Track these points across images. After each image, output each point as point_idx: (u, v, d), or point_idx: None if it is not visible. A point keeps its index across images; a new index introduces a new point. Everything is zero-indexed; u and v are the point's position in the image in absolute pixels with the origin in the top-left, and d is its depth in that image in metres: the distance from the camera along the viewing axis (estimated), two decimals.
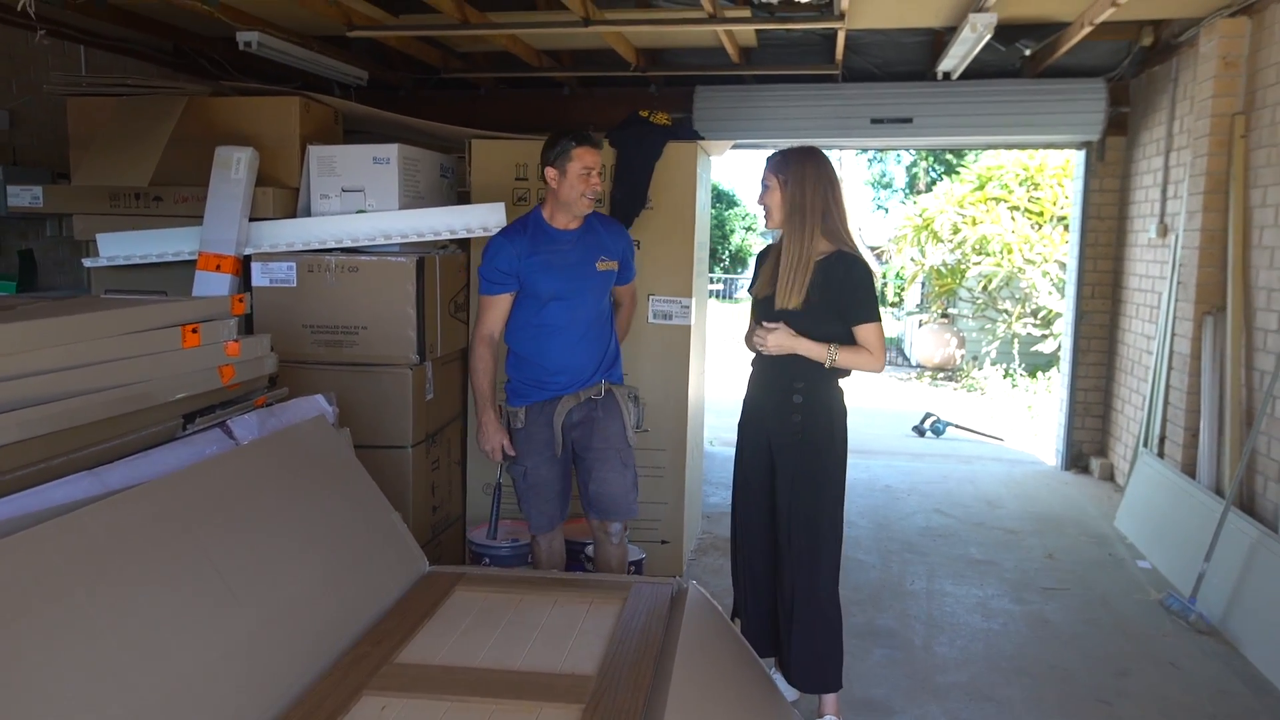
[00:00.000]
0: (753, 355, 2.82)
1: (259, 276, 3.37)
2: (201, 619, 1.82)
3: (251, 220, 3.39)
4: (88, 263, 3.52)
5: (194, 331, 2.33)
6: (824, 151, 2.74)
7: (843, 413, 2.74)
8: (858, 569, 4.15)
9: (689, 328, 3.85)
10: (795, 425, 2.69)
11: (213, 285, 3.28)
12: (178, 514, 1.95)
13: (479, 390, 2.97)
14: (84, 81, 3.88)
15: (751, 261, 22.27)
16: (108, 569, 1.71)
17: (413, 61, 5.44)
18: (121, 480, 1.99)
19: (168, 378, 2.25)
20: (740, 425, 2.84)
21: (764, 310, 2.72)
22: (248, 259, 3.39)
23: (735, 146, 5.34)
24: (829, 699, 2.74)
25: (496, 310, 2.95)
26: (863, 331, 2.64)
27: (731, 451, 2.92)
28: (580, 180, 2.82)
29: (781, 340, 2.63)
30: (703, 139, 4.16)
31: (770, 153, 2.75)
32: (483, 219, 3.42)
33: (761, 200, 2.73)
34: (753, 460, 2.77)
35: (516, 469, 3.01)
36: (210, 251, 3.30)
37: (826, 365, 2.63)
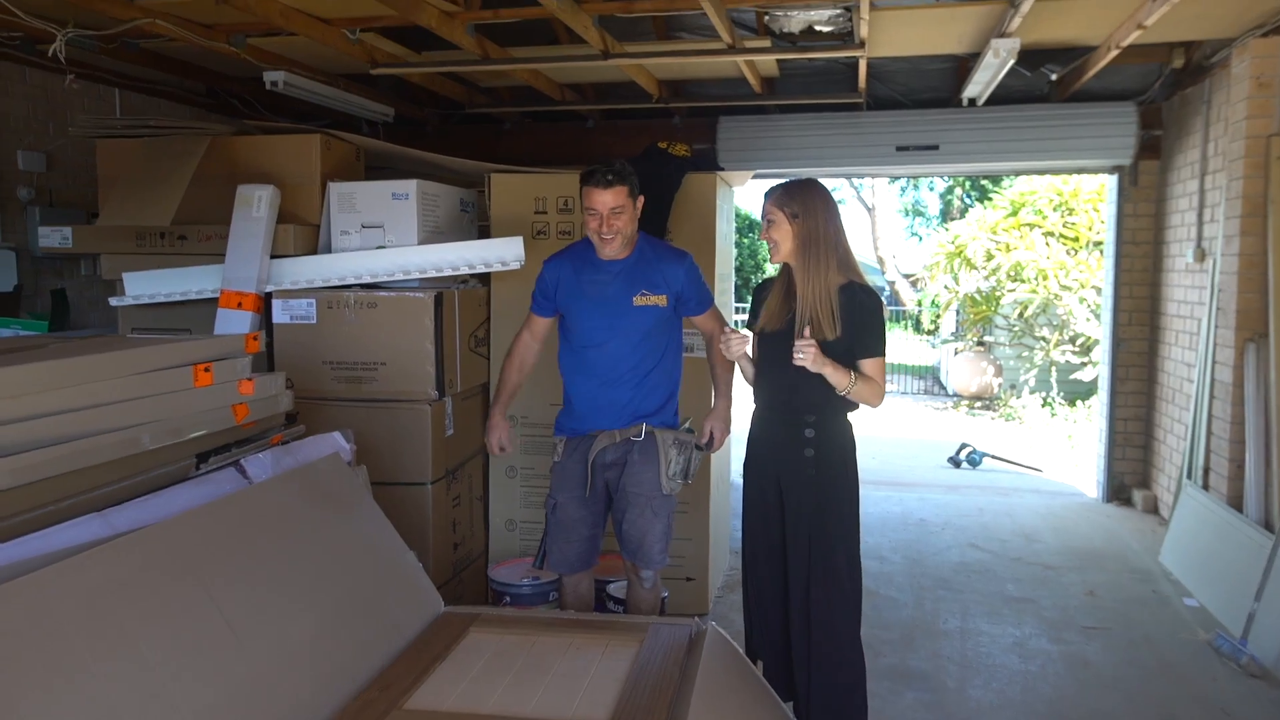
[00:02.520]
0: (755, 391, 2.76)
1: (279, 313, 3.38)
2: (203, 664, 1.79)
3: (273, 257, 3.40)
4: (114, 301, 3.56)
5: (206, 370, 2.32)
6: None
7: (853, 446, 2.68)
8: (889, 607, 4.04)
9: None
10: (808, 460, 2.62)
11: (234, 323, 3.29)
12: (182, 557, 1.92)
13: (497, 389, 3.05)
14: (108, 123, 3.95)
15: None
16: (107, 614, 1.68)
17: (438, 97, 5.49)
18: (129, 522, 1.97)
19: (179, 417, 2.24)
20: (746, 464, 2.77)
21: (773, 345, 2.66)
22: (269, 296, 3.40)
23: (757, 176, 5.32)
24: None
25: (531, 329, 3.01)
26: (870, 365, 2.60)
27: None
28: (590, 219, 2.77)
29: (817, 356, 2.54)
30: (723, 169, 4.13)
31: (769, 187, 2.69)
32: (500, 253, 3.41)
33: (767, 235, 2.66)
34: (761, 499, 2.70)
35: (549, 501, 2.97)
36: (232, 289, 3.32)
37: (842, 393, 2.56)
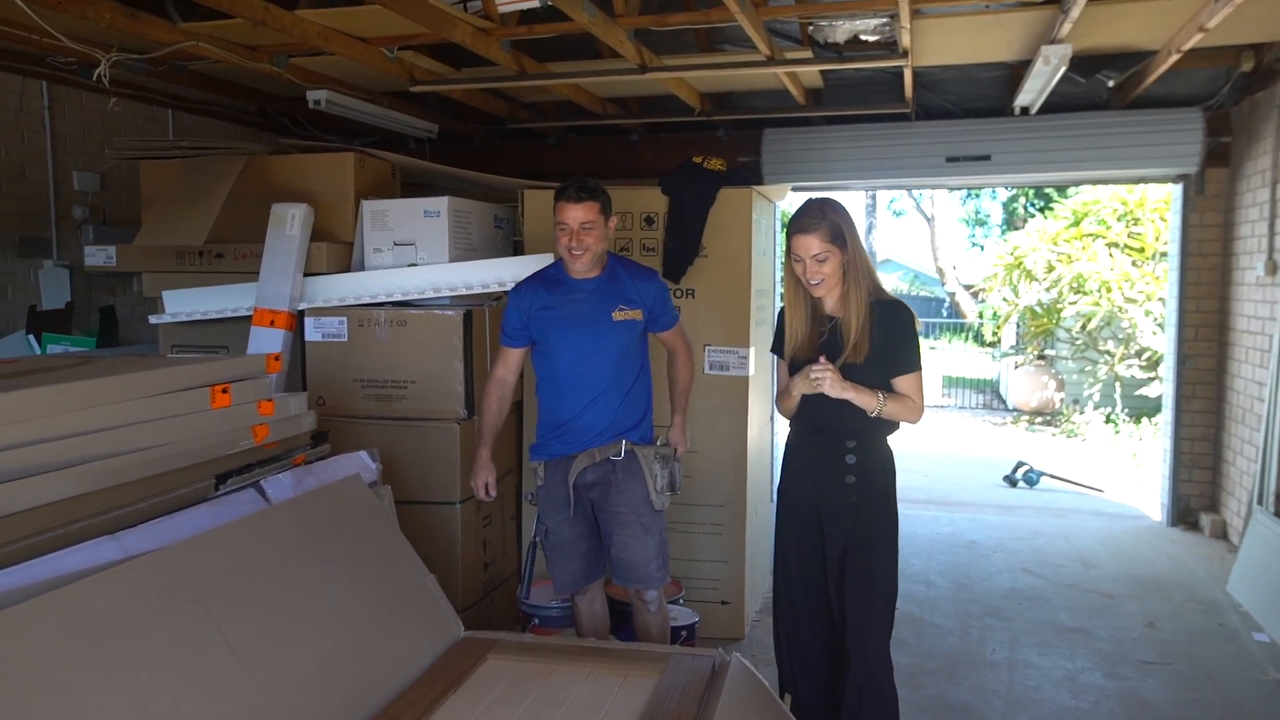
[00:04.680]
0: (791, 418, 2.66)
1: (311, 331, 3.39)
2: (203, 694, 1.76)
3: (306, 275, 3.42)
4: (154, 319, 3.62)
5: (224, 391, 2.32)
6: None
7: (894, 471, 2.57)
8: (933, 635, 3.89)
9: (747, 379, 3.70)
10: (849, 487, 2.52)
11: (267, 341, 3.31)
12: (188, 582, 1.90)
13: (479, 426, 2.99)
14: (145, 144, 4.03)
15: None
16: (106, 643, 1.67)
17: (482, 113, 5.51)
18: (142, 545, 1.96)
19: (197, 438, 2.24)
20: (781, 491, 2.67)
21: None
22: (302, 314, 3.42)
23: (797, 189, 5.22)
24: None
25: (505, 362, 2.95)
26: (906, 381, 2.50)
27: None
28: (561, 234, 2.74)
29: (838, 383, 2.45)
30: (761, 183, 4.05)
31: (795, 217, 2.50)
32: (530, 269, 3.35)
33: (819, 272, 2.46)
34: (798, 525, 2.60)
35: (539, 527, 2.93)
36: (265, 307, 3.34)
37: (873, 414, 2.46)
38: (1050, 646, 3.77)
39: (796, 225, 2.48)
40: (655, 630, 2.92)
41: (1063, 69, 3.93)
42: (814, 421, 2.57)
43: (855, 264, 2.50)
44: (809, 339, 2.56)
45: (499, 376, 2.95)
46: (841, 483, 2.52)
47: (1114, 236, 9.55)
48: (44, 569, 1.77)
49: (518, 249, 3.97)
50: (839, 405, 2.49)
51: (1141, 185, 9.22)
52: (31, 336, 3.96)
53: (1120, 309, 9.25)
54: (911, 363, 2.51)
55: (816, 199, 2.53)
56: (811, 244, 2.45)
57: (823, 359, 2.45)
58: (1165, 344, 6.11)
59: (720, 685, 2.27)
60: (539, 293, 2.84)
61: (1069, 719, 3.16)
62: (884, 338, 2.48)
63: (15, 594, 1.65)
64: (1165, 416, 5.82)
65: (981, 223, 23.17)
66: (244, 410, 2.40)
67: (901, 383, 2.50)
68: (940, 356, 15.24)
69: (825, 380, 2.42)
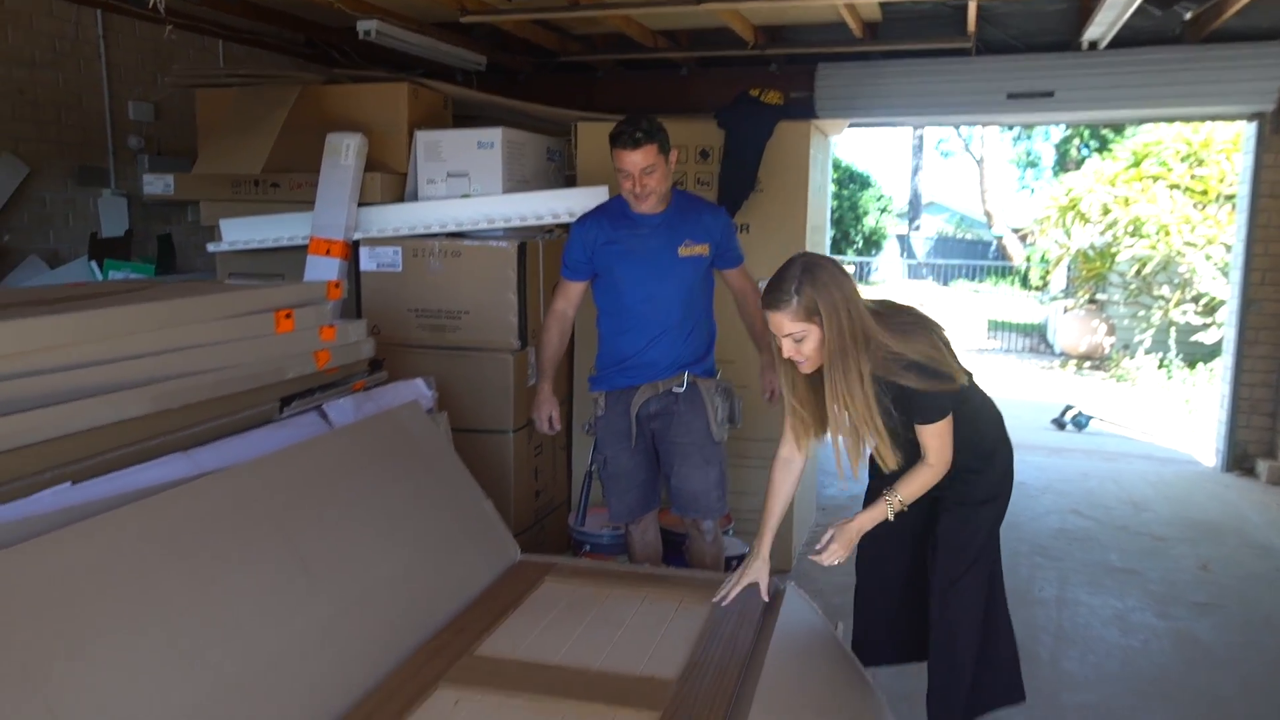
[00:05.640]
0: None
1: (366, 261, 3.42)
2: (280, 603, 1.82)
3: (360, 205, 3.43)
4: (212, 247, 3.66)
5: (287, 317, 2.35)
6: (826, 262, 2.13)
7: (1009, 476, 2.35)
8: None
9: None
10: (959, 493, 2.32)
11: (323, 269, 3.34)
12: (262, 498, 1.96)
13: (539, 361, 2.98)
14: (202, 73, 4.03)
15: (886, 245, 21.46)
16: (188, 552, 1.72)
17: (531, 46, 5.43)
18: (214, 462, 2.02)
19: (262, 361, 2.28)
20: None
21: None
22: (357, 244, 3.44)
23: (854, 125, 5.10)
24: None
25: (565, 296, 2.92)
26: (929, 432, 2.16)
27: None
28: (623, 181, 2.70)
29: (844, 547, 2.24)
30: (818, 118, 3.96)
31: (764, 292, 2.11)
32: (585, 203, 3.35)
33: (797, 353, 2.10)
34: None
35: (597, 456, 2.96)
36: (321, 236, 3.36)
37: (893, 517, 2.22)
38: (1100, 586, 3.76)
39: (766, 297, 2.09)
40: (710, 559, 2.96)
41: (1138, 0, 3.77)
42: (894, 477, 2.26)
43: (842, 350, 2.04)
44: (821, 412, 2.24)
45: (559, 310, 2.93)
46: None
47: (1175, 178, 9.24)
48: (124, 482, 1.83)
49: (570, 184, 3.94)
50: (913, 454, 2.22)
51: (1207, 125, 8.89)
52: (94, 263, 4.04)
53: (1178, 253, 9.00)
54: (934, 412, 2.14)
55: (799, 257, 2.10)
56: (782, 323, 2.06)
57: (826, 537, 2.25)
58: (1226, 289, 5.94)
59: (775, 611, 2.30)
60: (603, 226, 2.82)
61: (1119, 656, 3.16)
62: (903, 404, 2.15)
63: (100, 504, 1.71)
64: (1225, 362, 5.69)
65: (1033, 164, 22.58)
66: (306, 335, 2.43)
67: (925, 432, 2.17)
68: (985, 300, 15.01)
69: (834, 555, 2.24)
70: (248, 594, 1.77)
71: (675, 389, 2.84)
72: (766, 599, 2.30)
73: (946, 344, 2.20)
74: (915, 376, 2.09)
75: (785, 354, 2.11)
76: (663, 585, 2.46)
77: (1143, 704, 2.85)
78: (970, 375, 2.27)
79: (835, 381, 2.07)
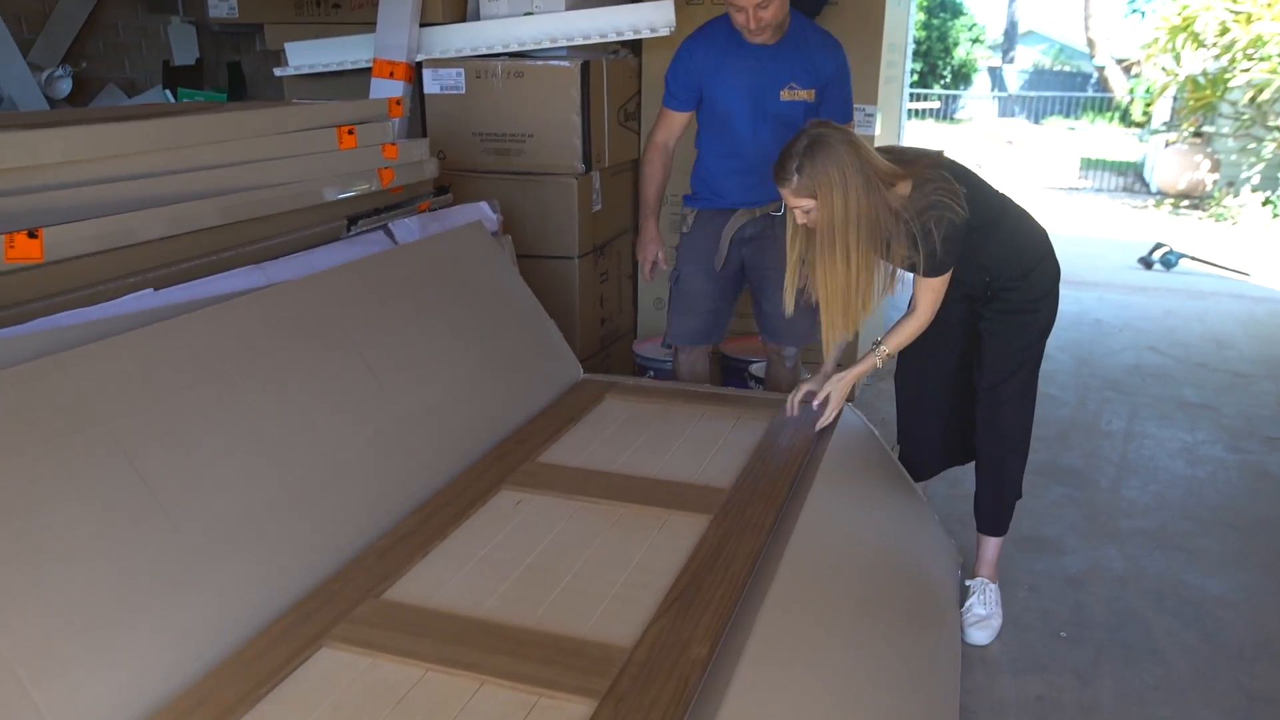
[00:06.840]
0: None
1: (430, 83, 3.38)
2: (351, 409, 1.92)
3: (422, 26, 3.36)
4: (279, 72, 3.66)
5: (350, 133, 2.36)
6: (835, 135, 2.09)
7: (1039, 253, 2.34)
8: (1047, 404, 3.84)
9: (872, 139, 3.53)
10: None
11: (387, 92, 3.31)
12: (332, 307, 2.03)
13: (641, 198, 2.88)
14: None
15: (976, 79, 20.17)
16: (263, 354, 1.81)
17: None
18: (284, 274, 2.09)
19: (326, 178, 2.31)
20: None
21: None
22: (420, 66, 3.39)
23: None
24: (990, 545, 2.49)
25: (667, 126, 2.78)
26: (923, 285, 2.21)
27: None
28: (736, 15, 2.51)
29: (837, 403, 2.34)
30: None
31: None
32: (650, 18, 3.22)
33: (805, 222, 2.16)
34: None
35: (673, 273, 2.90)
36: (384, 58, 3.32)
37: (881, 365, 2.33)
38: (1170, 420, 3.71)
39: (774, 169, 2.14)
40: (786, 385, 2.95)
41: None
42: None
43: (833, 224, 2.08)
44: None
45: (660, 141, 2.80)
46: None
47: None
48: (201, 290, 1.91)
49: None
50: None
51: None
52: (168, 91, 4.09)
53: None
54: (935, 265, 2.15)
55: (808, 129, 2.12)
56: (787, 197, 2.15)
57: (805, 390, 2.38)
58: None
59: (831, 428, 2.34)
60: (711, 53, 2.65)
61: (1182, 486, 3.15)
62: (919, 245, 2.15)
63: (181, 307, 1.80)
64: None
65: None
66: (369, 153, 2.45)
67: (920, 284, 2.21)
68: (1078, 137, 14.17)
69: (835, 411, 2.34)
70: (320, 398, 1.86)
71: (773, 213, 2.75)
72: (816, 405, 2.37)
73: (964, 178, 2.17)
74: (929, 230, 2.11)
75: (799, 220, 2.18)
76: (721, 403, 2.52)
77: (1200, 530, 2.86)
78: (1008, 199, 2.29)
79: (822, 259, 2.14)
